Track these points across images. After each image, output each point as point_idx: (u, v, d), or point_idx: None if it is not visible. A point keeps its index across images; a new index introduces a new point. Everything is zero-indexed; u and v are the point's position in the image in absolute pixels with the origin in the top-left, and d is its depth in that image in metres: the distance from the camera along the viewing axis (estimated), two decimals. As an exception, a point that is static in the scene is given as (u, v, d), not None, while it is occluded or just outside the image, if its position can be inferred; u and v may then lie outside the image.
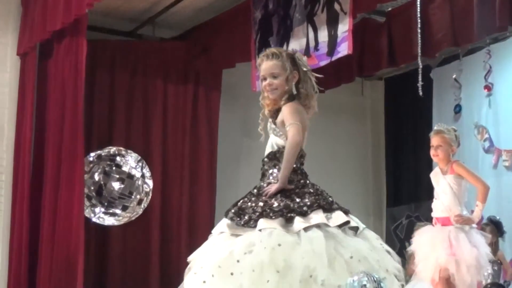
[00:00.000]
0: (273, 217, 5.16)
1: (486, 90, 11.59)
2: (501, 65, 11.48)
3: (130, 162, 10.51)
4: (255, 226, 5.18)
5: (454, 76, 11.98)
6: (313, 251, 4.88)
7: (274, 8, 10.01)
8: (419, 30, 9.58)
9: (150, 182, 10.55)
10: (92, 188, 10.22)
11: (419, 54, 9.56)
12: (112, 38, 11.41)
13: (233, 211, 5.44)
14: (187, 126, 11.50)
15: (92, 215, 10.19)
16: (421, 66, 9.47)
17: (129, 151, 10.60)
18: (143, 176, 10.50)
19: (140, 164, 10.53)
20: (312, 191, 5.52)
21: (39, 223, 9.68)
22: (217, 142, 11.68)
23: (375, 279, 3.41)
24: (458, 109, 11.94)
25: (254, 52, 10.17)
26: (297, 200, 5.33)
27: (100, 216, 10.28)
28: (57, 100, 9.79)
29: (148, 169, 10.56)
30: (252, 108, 11.98)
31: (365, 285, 3.36)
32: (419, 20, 9.59)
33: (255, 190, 5.53)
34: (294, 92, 5.74)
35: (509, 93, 11.30)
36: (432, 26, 9.95)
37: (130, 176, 10.47)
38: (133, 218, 10.46)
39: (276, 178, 5.52)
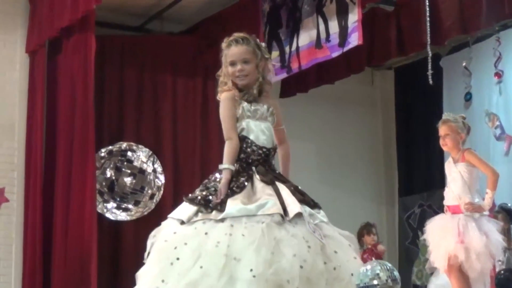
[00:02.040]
0: None
1: (496, 77, 11.59)
2: (511, 51, 11.48)
3: (141, 157, 10.57)
4: None
5: (464, 64, 11.98)
6: None
7: (283, 0, 10.04)
8: (427, 19, 9.59)
9: (161, 177, 10.62)
10: (104, 183, 10.30)
11: (428, 42, 9.57)
12: (120, 33, 11.45)
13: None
14: (197, 120, 11.51)
15: (105, 210, 10.26)
16: (430, 55, 9.49)
17: (140, 146, 10.66)
18: (154, 171, 10.56)
19: (151, 159, 10.59)
20: None
21: (52, 220, 9.76)
22: (227, 135, 11.69)
23: (388, 267, 3.44)
24: (468, 96, 11.94)
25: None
26: None
27: (113, 212, 10.36)
28: (67, 96, 9.85)
29: (159, 164, 10.63)
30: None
31: (378, 274, 3.38)
32: (427, 8, 9.60)
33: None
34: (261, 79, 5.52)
35: (520, 80, 11.33)
36: (441, 14, 9.94)
37: (142, 171, 10.53)
38: (146, 213, 10.53)
39: None
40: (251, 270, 4.66)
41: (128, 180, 10.48)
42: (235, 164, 5.21)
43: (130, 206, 10.43)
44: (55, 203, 9.75)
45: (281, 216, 4.94)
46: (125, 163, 10.53)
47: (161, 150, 11.00)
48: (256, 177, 5.21)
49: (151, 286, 4.81)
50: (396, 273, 3.44)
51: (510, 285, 2.51)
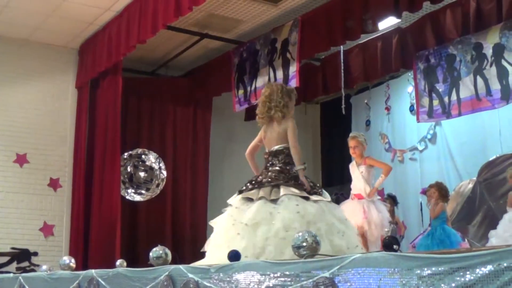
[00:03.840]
0: None
1: (386, 110, 11.66)
2: (396, 93, 11.56)
3: (151, 158, 10.50)
4: None
5: (365, 101, 12.04)
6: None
7: (247, 56, 10.03)
8: (342, 71, 9.66)
9: (164, 172, 10.56)
10: (126, 176, 10.22)
11: (342, 86, 9.63)
12: (138, 76, 11.40)
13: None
14: (189, 135, 11.50)
15: (126, 194, 10.18)
16: (344, 95, 9.56)
17: (150, 151, 10.59)
18: (160, 168, 10.50)
19: (158, 160, 10.53)
20: None
21: (91, 199, 9.71)
22: (209, 146, 11.69)
23: (313, 234, 3.41)
24: (368, 122, 12.00)
25: (233, 85, 10.18)
26: None
27: (131, 195, 10.27)
28: (102, 118, 9.82)
29: (163, 164, 10.56)
30: (232, 123, 12.09)
31: (306, 238, 3.34)
32: (342, 64, 9.67)
33: None
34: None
35: (401, 112, 11.37)
36: (351, 68, 10.00)
37: (151, 168, 10.47)
38: (154, 196, 10.45)
39: None
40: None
41: (142, 174, 10.39)
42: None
43: (143, 191, 10.35)
44: (93, 188, 9.71)
45: None
46: (140, 162, 10.46)
47: (165, 154, 10.95)
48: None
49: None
50: (318, 238, 3.40)
51: (392, 246, 2.52)
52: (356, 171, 7.79)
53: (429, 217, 9.21)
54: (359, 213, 7.55)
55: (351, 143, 7.85)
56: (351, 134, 8.05)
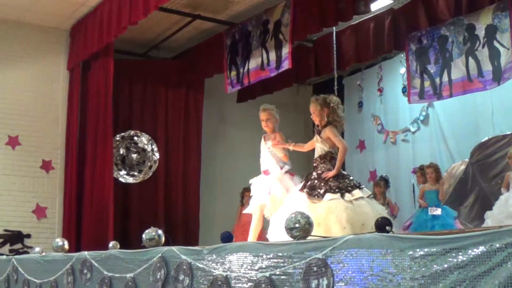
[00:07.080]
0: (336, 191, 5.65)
1: (378, 91, 11.66)
2: (388, 75, 11.55)
3: (144, 140, 10.48)
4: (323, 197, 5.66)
5: (358, 83, 12.03)
6: (364, 211, 5.46)
7: (239, 38, 9.99)
8: (335, 52, 9.64)
9: (157, 154, 10.53)
10: (118, 158, 10.20)
11: (335, 68, 9.62)
12: (130, 58, 11.34)
13: (307, 189, 5.86)
14: (181, 117, 11.47)
15: (118, 176, 10.16)
16: (336, 76, 9.56)
17: (143, 133, 10.57)
18: (152, 150, 10.48)
19: (150, 142, 10.50)
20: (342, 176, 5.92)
21: (83, 181, 9.71)
22: (201, 127, 11.68)
23: (305, 216, 3.40)
24: (360, 104, 11.99)
25: (226, 66, 10.15)
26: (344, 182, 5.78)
27: (124, 177, 10.25)
28: (94, 99, 9.78)
29: (155, 145, 10.54)
30: (224, 104, 12.08)
31: (299, 220, 3.34)
32: (335, 45, 9.64)
33: (315, 174, 6.00)
34: (325, 120, 6.34)
35: (393, 93, 11.37)
36: (343, 49, 9.98)
37: (144, 150, 10.44)
38: (146, 178, 10.44)
39: (327, 169, 5.98)
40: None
41: (134, 156, 10.37)
42: None
43: (135, 173, 10.33)
44: (85, 170, 9.69)
45: None
46: (133, 144, 10.43)
47: (157, 136, 10.93)
48: None
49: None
50: (311, 219, 3.39)
51: (385, 228, 2.52)
52: (265, 146, 7.02)
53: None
54: (264, 189, 6.78)
55: (263, 115, 7.04)
56: (262, 106, 7.17)
